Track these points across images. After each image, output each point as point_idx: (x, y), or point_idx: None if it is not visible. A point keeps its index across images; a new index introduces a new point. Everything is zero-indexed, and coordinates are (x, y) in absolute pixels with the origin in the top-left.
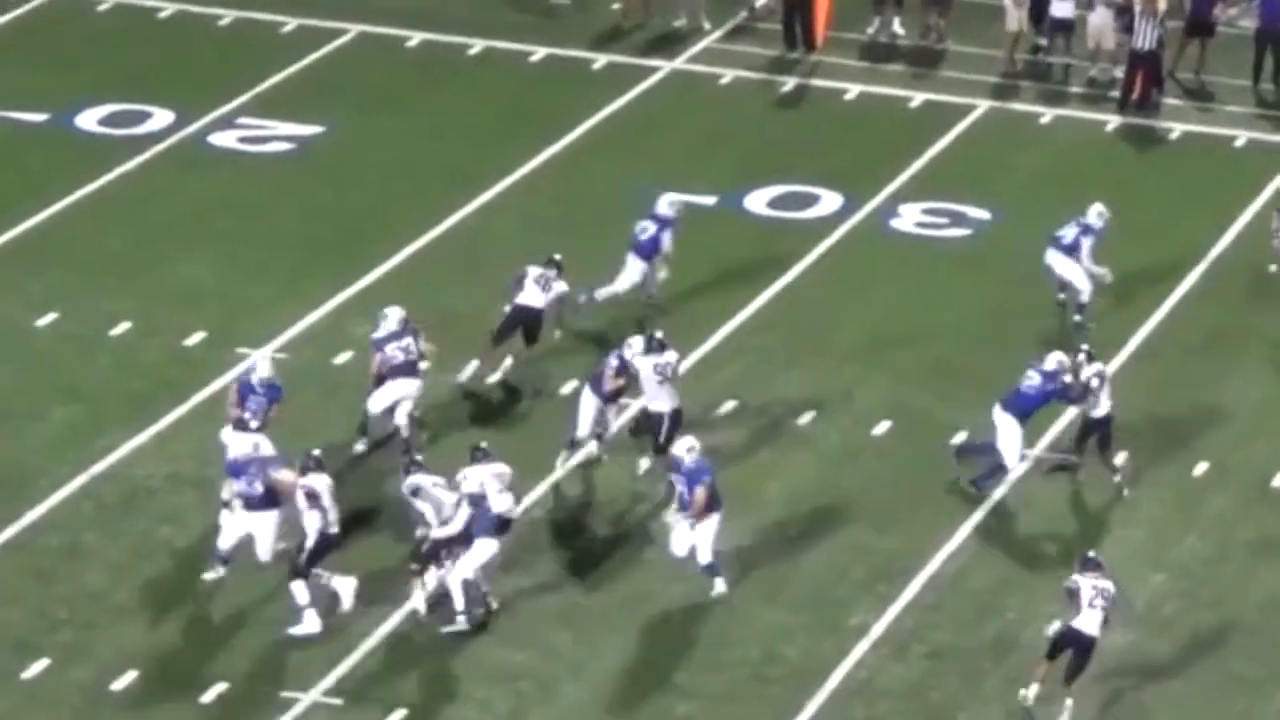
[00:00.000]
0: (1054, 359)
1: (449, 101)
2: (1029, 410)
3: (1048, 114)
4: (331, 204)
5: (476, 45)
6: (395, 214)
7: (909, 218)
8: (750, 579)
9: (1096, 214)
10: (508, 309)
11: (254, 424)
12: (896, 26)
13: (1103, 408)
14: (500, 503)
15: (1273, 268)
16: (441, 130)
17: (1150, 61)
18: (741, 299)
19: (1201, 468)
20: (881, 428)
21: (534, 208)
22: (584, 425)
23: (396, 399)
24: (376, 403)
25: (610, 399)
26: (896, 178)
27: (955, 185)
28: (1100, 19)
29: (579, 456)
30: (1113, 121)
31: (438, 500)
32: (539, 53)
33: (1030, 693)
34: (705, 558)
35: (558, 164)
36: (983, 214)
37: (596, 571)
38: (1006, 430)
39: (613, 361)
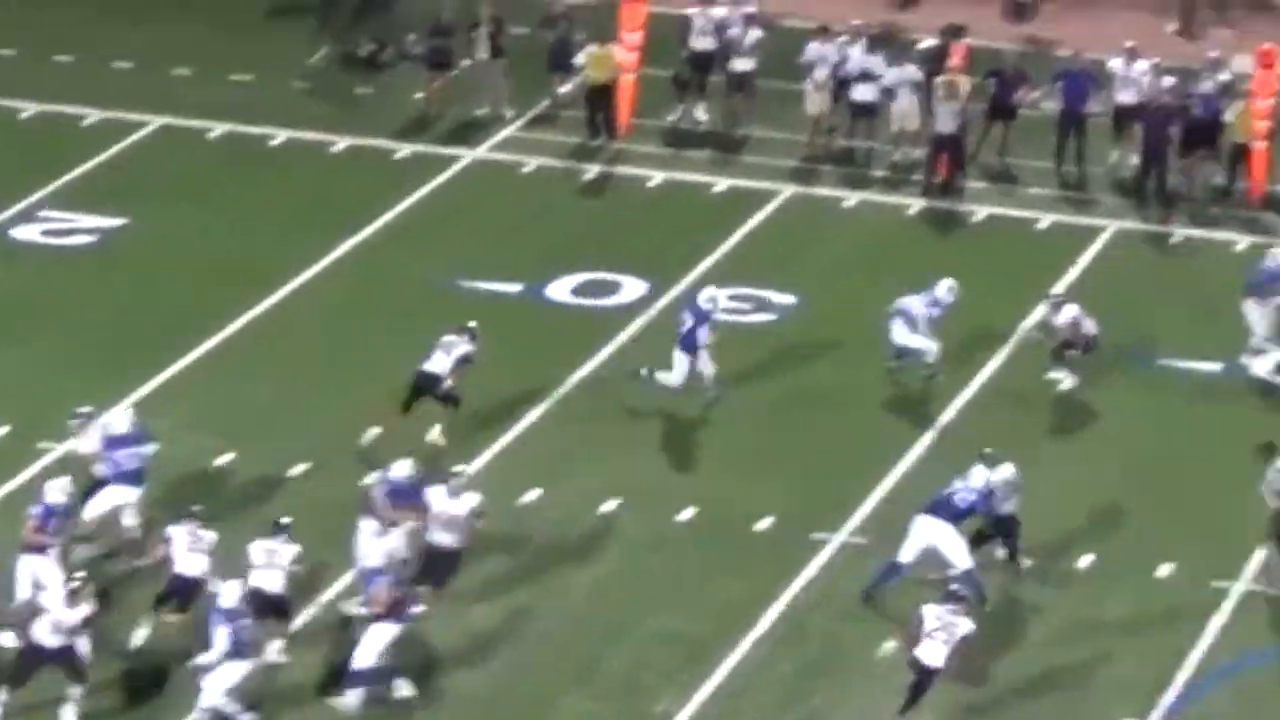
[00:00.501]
0: (981, 474)
1: (252, 193)
2: (963, 517)
3: (851, 198)
4: (135, 297)
5: (279, 136)
6: (199, 306)
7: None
8: (557, 667)
9: (947, 289)
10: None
11: (54, 548)
12: (699, 113)
13: (1011, 506)
14: (264, 579)
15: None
16: (244, 221)
17: (953, 145)
18: (546, 387)
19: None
20: (686, 514)
21: (337, 298)
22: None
23: (116, 505)
24: (93, 510)
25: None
26: (701, 263)
27: (759, 270)
28: (904, 103)
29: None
30: (915, 205)
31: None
32: (341, 143)
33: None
34: (361, 662)
35: (361, 254)
36: (787, 299)
37: (406, 662)
38: (946, 538)
39: (383, 489)
